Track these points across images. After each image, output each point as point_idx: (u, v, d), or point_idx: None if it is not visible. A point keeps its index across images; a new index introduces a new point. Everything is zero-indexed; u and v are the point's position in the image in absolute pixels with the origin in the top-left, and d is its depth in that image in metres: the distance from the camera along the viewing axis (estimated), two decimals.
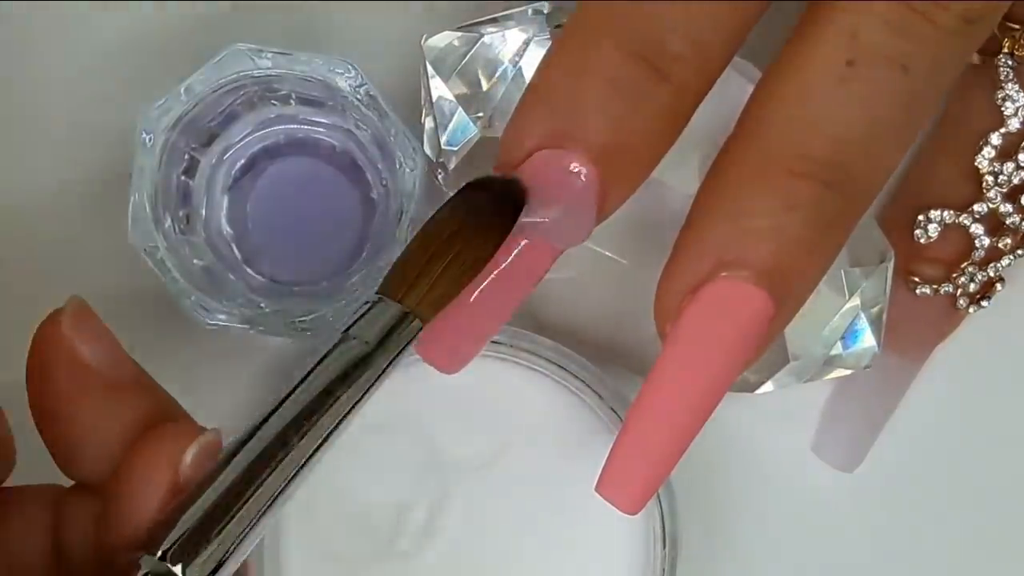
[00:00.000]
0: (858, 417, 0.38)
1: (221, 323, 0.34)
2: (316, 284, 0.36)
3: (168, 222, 0.34)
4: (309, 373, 0.26)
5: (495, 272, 0.28)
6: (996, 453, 0.39)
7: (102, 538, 0.27)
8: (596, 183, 0.27)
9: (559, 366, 0.35)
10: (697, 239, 0.27)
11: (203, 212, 0.36)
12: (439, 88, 0.34)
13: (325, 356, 0.26)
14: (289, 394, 0.26)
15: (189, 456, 0.26)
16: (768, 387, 0.35)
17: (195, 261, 0.35)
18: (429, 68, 0.34)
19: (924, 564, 0.39)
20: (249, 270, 0.36)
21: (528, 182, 0.27)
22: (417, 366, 0.36)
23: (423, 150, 0.34)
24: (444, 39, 0.34)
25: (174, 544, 0.25)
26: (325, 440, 0.26)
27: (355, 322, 0.27)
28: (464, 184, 0.28)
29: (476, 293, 0.28)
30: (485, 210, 0.27)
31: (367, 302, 0.27)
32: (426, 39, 0.34)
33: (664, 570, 0.36)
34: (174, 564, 0.25)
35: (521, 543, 0.36)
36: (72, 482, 0.29)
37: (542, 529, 0.35)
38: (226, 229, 0.36)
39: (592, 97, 0.27)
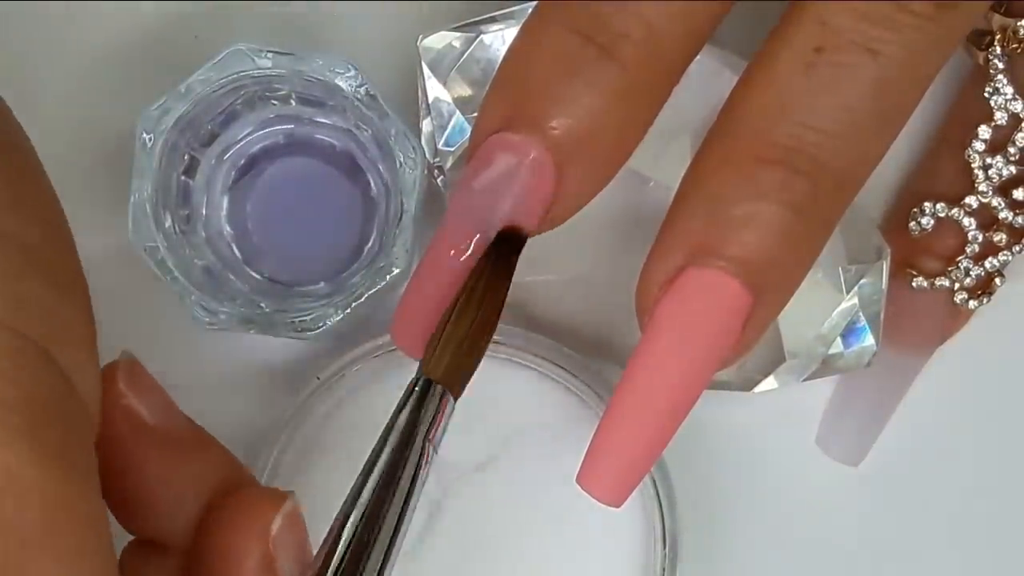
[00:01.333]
0: (862, 411, 0.38)
1: (221, 323, 0.34)
2: (316, 284, 0.36)
3: (168, 222, 0.34)
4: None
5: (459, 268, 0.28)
6: (1000, 449, 0.38)
7: None
8: (547, 162, 0.27)
9: (557, 365, 0.35)
10: (671, 230, 0.27)
11: (203, 212, 0.36)
12: (436, 89, 0.34)
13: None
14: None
15: (276, 526, 0.27)
16: (767, 385, 0.35)
17: (195, 261, 0.35)
18: (425, 69, 0.34)
19: (925, 565, 0.39)
20: (249, 270, 0.36)
21: (483, 166, 0.27)
22: (416, 367, 0.36)
23: (423, 150, 0.34)
24: (441, 39, 0.34)
25: None
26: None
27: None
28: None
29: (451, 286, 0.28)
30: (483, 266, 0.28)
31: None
32: (422, 39, 0.34)
33: (664, 570, 0.36)
34: None
35: (521, 543, 0.36)
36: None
37: (542, 528, 0.36)
38: (226, 229, 0.36)
39: (538, 77, 0.27)
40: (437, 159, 0.34)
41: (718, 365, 0.28)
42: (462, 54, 0.34)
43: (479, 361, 0.28)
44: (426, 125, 0.34)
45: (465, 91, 0.34)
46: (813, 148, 0.26)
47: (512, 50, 0.28)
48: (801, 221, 0.27)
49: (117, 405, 0.27)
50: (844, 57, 0.26)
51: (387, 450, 0.27)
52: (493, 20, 0.34)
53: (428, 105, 0.34)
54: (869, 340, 0.34)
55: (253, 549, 0.27)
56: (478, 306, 0.28)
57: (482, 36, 0.34)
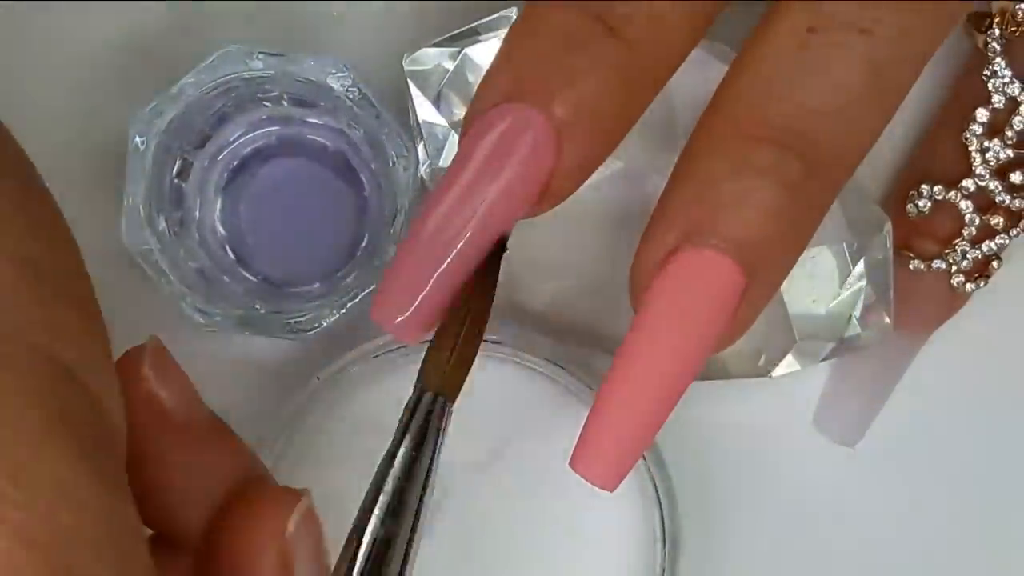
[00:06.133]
0: (860, 391, 0.38)
1: (217, 325, 0.33)
2: (310, 285, 0.36)
3: (162, 224, 0.34)
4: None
5: (461, 244, 0.27)
6: (997, 434, 0.38)
7: None
8: (550, 133, 0.27)
9: (557, 365, 0.35)
10: (664, 211, 0.27)
11: (196, 214, 0.36)
12: (427, 113, 0.34)
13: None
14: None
15: (292, 525, 0.27)
16: (786, 368, 0.35)
17: (189, 263, 0.35)
18: (413, 89, 0.34)
19: (926, 564, 0.39)
20: (243, 271, 0.36)
21: (481, 137, 0.27)
22: (416, 367, 0.36)
23: (416, 149, 0.34)
24: (424, 58, 0.34)
25: None
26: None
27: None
28: None
29: (449, 261, 0.27)
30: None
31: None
32: (407, 58, 0.34)
33: (664, 570, 0.36)
34: None
35: (520, 543, 0.35)
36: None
37: (541, 528, 0.35)
38: (220, 231, 0.36)
39: (543, 51, 0.27)
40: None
41: (712, 346, 0.27)
42: (447, 70, 0.34)
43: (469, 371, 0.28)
44: (421, 150, 0.34)
45: (456, 107, 0.34)
46: (805, 127, 0.26)
47: (515, 28, 0.28)
48: (794, 200, 0.27)
49: (139, 390, 0.27)
50: (836, 36, 0.26)
51: (400, 457, 0.28)
52: (470, 33, 0.34)
53: (420, 128, 0.34)
54: (880, 315, 0.34)
55: (269, 549, 0.27)
56: (466, 317, 0.28)
57: (465, 49, 0.34)
